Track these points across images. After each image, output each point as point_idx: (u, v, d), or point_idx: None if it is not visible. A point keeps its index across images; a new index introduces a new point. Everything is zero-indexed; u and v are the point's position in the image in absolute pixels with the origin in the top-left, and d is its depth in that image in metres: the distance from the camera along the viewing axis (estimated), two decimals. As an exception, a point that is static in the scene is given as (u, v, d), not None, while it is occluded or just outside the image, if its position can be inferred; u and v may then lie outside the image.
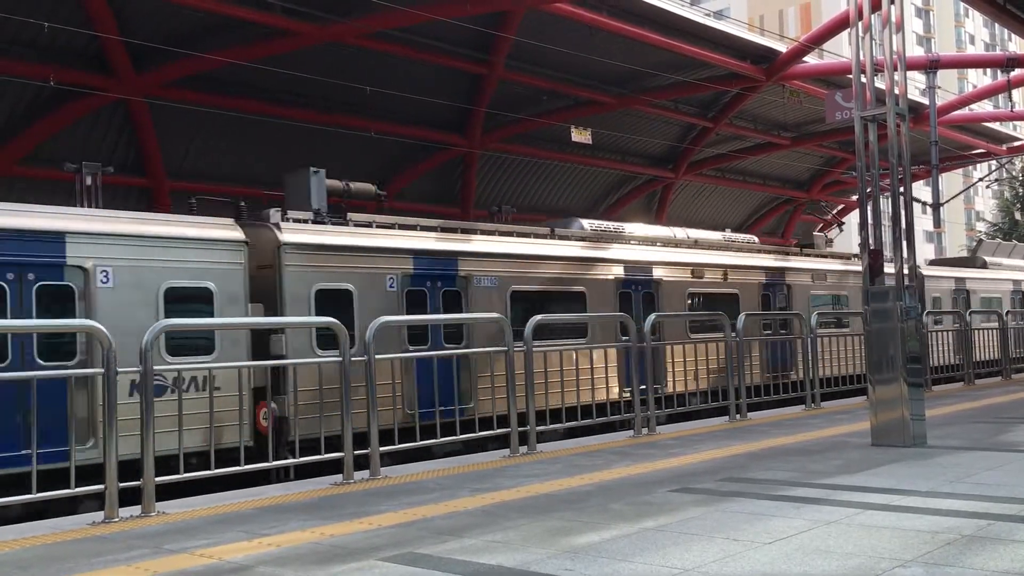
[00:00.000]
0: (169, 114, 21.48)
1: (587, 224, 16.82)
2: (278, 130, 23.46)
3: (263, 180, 25.24)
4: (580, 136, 26.02)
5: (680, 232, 19.02)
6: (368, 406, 7.10)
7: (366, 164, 27.21)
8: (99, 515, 5.82)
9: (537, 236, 15.86)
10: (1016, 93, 29.71)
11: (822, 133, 33.91)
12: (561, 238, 16.02)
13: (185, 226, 10.94)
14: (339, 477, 6.99)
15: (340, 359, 7.03)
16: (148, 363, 5.98)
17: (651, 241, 17.71)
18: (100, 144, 21.73)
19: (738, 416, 10.73)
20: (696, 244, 18.58)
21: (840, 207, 45.91)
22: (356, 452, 7.00)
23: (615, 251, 16.31)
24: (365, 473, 7.11)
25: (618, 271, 16.05)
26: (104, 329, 5.86)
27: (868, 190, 8.75)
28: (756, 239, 21.06)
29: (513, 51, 23.52)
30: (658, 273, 16.70)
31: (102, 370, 5.86)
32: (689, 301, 17.13)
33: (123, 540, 5.18)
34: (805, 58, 27.13)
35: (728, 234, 20.45)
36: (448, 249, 13.69)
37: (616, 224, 17.79)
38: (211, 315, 10.60)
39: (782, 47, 27.01)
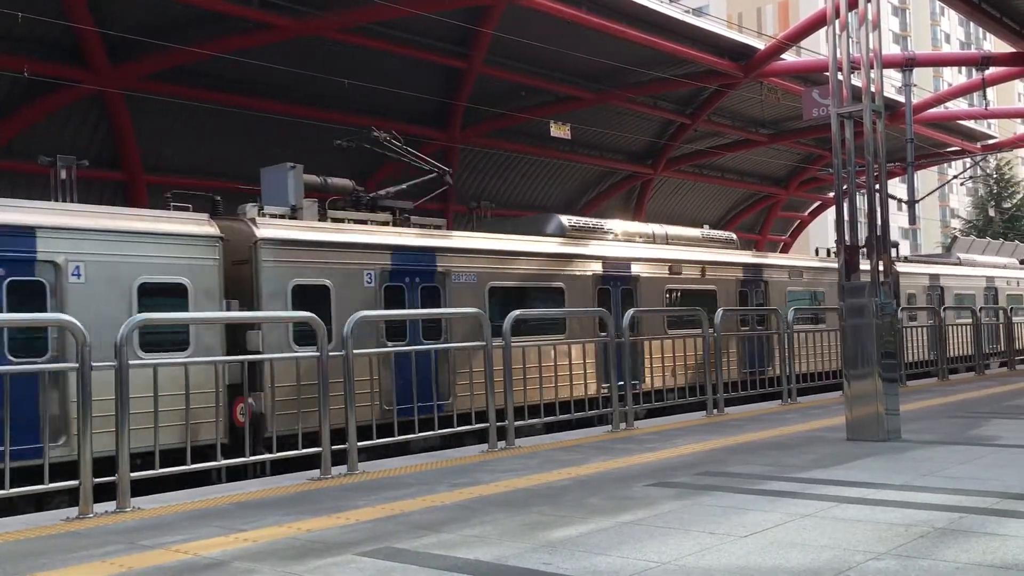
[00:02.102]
0: (146, 107, 21.30)
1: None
2: (256, 124, 23.33)
3: (241, 174, 25.09)
4: (559, 131, 26.04)
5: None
6: (346, 401, 7.08)
7: (345, 159, 27.12)
8: (73, 511, 5.78)
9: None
10: (991, 91, 29.97)
11: (799, 130, 34.12)
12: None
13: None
14: (316, 472, 6.97)
15: (318, 354, 7.01)
16: (124, 358, 5.93)
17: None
18: (76, 137, 21.52)
19: (715, 411, 10.79)
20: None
21: (817, 203, 46.26)
22: (334, 447, 6.99)
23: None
24: (343, 468, 7.09)
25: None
26: (79, 324, 5.82)
27: (844, 187, 8.82)
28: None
29: (493, 46, 23.50)
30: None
31: (76, 365, 5.81)
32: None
33: (98, 535, 5.14)
34: (783, 55, 27.28)
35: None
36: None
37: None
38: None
39: (760, 44, 27.14)
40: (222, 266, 10.98)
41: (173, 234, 10.68)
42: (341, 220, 13.47)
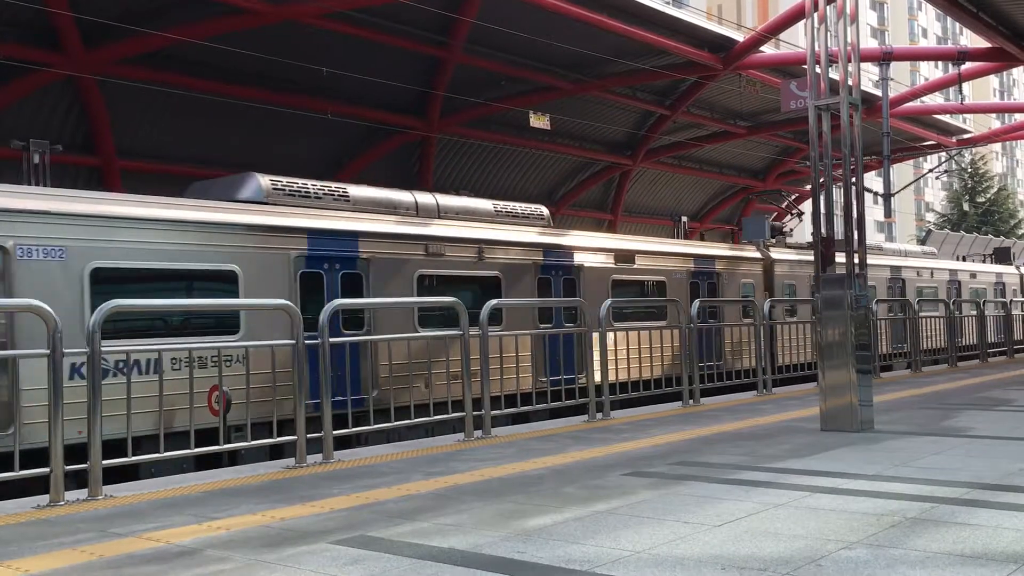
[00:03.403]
0: (121, 92, 21.06)
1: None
2: (232, 110, 23.14)
3: (216, 161, 24.90)
4: (539, 122, 26.02)
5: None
6: (322, 390, 7.05)
7: (322, 147, 26.97)
8: (44, 499, 5.72)
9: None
10: (967, 86, 30.24)
11: (777, 122, 34.28)
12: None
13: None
14: (291, 461, 6.94)
15: (293, 342, 6.97)
16: (95, 344, 5.87)
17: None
18: (49, 122, 21.26)
19: (691, 401, 10.84)
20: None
21: (795, 196, 46.44)
22: (309, 436, 6.96)
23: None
24: (318, 457, 7.06)
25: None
26: (50, 309, 5.74)
27: (821, 180, 8.86)
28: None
29: (472, 35, 23.41)
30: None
31: (47, 351, 5.74)
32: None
33: (69, 523, 5.09)
34: (762, 48, 27.36)
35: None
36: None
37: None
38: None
39: (739, 36, 27.20)
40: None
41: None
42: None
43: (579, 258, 16.40)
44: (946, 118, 39.12)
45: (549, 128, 27.06)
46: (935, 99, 39.63)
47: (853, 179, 8.58)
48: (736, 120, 34.36)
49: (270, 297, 11.37)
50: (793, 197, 36.16)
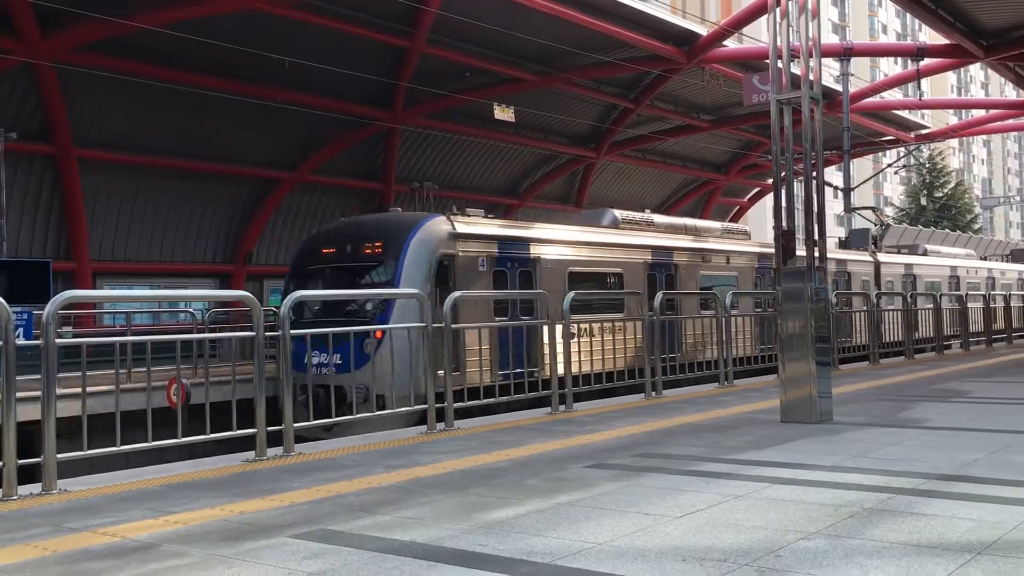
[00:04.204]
0: (78, 80, 20.71)
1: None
2: (193, 100, 22.84)
3: (176, 150, 24.60)
4: (503, 114, 25.99)
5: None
6: (283, 381, 6.97)
7: (285, 137, 26.71)
8: (-4, 493, 5.60)
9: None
10: (925, 83, 30.68)
11: (740, 117, 34.55)
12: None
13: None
14: (251, 454, 6.86)
15: (253, 334, 6.89)
16: (50, 335, 5.76)
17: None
18: (3, 109, 20.83)
19: (654, 394, 10.89)
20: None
21: (756, 190, 46.92)
22: (269, 428, 6.88)
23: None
24: (279, 450, 6.99)
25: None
26: (3, 301, 5.62)
27: (783, 174, 8.93)
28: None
29: (437, 25, 23.30)
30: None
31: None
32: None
33: (22, 518, 4.99)
34: (725, 42, 27.54)
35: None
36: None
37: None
38: None
39: (703, 30, 27.36)
40: None
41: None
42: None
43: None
44: (905, 114, 39.71)
45: (513, 120, 27.04)
46: (894, 95, 40.19)
47: (814, 173, 8.66)
48: (699, 114, 34.57)
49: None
50: (754, 191, 36.54)
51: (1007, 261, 39.72)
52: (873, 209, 35.10)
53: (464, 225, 15.36)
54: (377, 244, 14.69)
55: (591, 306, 16.06)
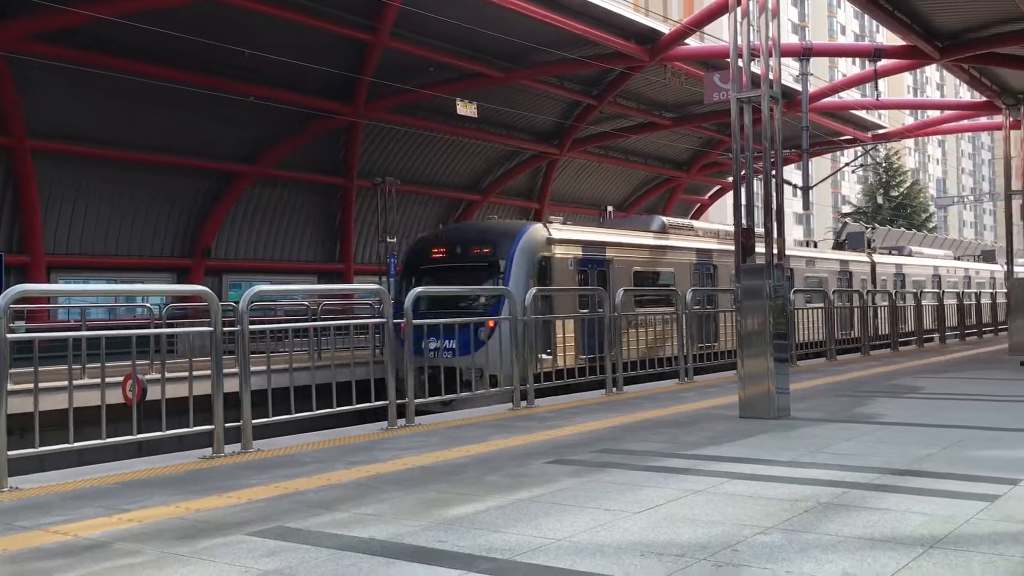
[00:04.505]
0: (32, 70, 20.31)
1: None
2: (151, 91, 22.50)
3: (133, 143, 24.22)
4: (466, 109, 25.92)
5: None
6: (240, 376, 6.90)
7: (245, 130, 26.42)
8: (-56, 492, 5.48)
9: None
10: (882, 83, 31.16)
11: (701, 115, 34.78)
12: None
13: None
14: (208, 451, 6.78)
15: (211, 329, 6.81)
16: (2, 330, 5.64)
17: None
18: (-47, 99, 20.40)
19: (615, 389, 10.93)
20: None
21: (717, 187, 47.29)
22: (227, 424, 6.81)
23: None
24: (236, 446, 6.92)
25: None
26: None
27: (743, 172, 9.00)
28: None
29: (400, 19, 23.17)
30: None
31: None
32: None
33: (-30, 518, 4.88)
34: (687, 40, 27.70)
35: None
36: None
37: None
38: None
39: (665, 28, 27.49)
40: None
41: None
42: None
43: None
44: (862, 114, 40.24)
45: (476, 116, 26.99)
46: (852, 95, 40.74)
47: (773, 171, 8.74)
48: (661, 111, 34.75)
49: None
50: (715, 189, 36.82)
51: (979, 261, 41.85)
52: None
53: (557, 232, 18.02)
54: (486, 247, 17.15)
55: (643, 302, 18.57)
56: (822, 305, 16.67)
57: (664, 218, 22.75)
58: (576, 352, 15.42)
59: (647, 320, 14.55)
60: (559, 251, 17.69)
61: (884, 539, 3.98)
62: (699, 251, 21.84)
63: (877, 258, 30.21)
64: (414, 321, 8.20)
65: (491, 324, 13.26)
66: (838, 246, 31.36)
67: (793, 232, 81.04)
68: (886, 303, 19.28)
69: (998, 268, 39.63)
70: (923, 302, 20.95)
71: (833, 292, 17.92)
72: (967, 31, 18.75)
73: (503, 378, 9.96)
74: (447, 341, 12.42)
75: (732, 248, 21.71)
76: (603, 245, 18.99)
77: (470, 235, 18.48)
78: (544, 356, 14.37)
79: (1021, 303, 15.78)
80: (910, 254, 34.06)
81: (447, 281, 16.59)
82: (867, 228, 35.57)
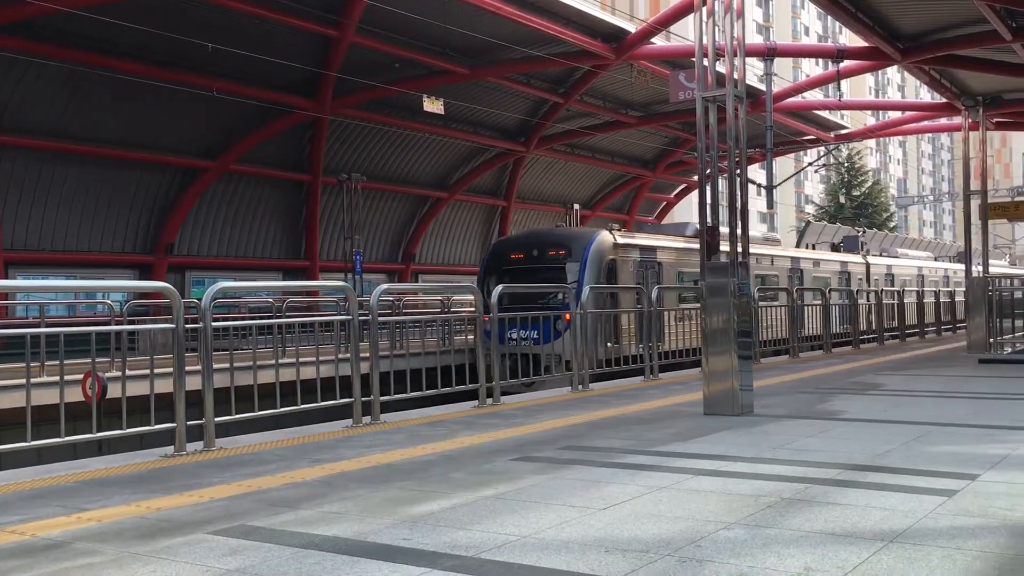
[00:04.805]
0: (-12, 62, 19.94)
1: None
2: (113, 85, 22.19)
3: (95, 137, 23.87)
4: (432, 106, 25.85)
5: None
6: (203, 373, 6.82)
7: (208, 125, 26.14)
8: (-103, 492, 5.37)
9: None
10: (845, 84, 31.58)
11: (667, 113, 34.98)
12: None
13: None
14: (170, 449, 6.70)
15: (173, 326, 6.73)
16: (-44, 328, 5.54)
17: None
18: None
19: (581, 387, 10.96)
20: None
21: (682, 186, 47.57)
22: (189, 423, 6.73)
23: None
24: (199, 444, 6.84)
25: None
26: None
27: (708, 171, 9.07)
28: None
29: (366, 15, 23.05)
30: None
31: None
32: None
33: (-76, 518, 4.78)
34: (653, 39, 27.85)
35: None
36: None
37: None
38: None
39: (632, 27, 27.62)
40: None
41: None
42: None
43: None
44: (825, 114, 40.71)
45: (443, 113, 26.93)
46: (815, 95, 41.19)
47: (738, 170, 8.81)
48: (627, 110, 34.91)
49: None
50: (681, 187, 37.13)
51: (956, 262, 44.12)
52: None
53: (621, 238, 21.02)
54: (562, 250, 19.89)
55: (684, 299, 20.53)
56: (787, 303, 16.84)
57: (696, 224, 24.76)
58: (633, 341, 16.94)
59: (681, 314, 16.65)
60: (622, 255, 20.55)
61: (845, 534, 4.03)
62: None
63: (871, 259, 33.55)
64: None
65: (567, 317, 14.50)
66: (834, 248, 34.28)
67: (757, 230, 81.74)
68: (860, 301, 20.08)
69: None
70: (905, 300, 22.36)
71: (857, 291, 19.75)
72: (928, 33, 19.03)
73: (576, 364, 10.96)
74: (529, 331, 14.55)
75: (755, 251, 24.78)
76: (655, 249, 21.90)
77: (548, 239, 20.93)
78: (610, 344, 16.78)
79: (979, 302, 16.04)
80: (897, 256, 37.16)
81: (526, 280, 18.89)
82: (859, 231, 39.08)
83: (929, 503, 4.57)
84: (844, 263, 31.59)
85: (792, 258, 28.12)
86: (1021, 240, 69.44)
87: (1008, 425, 7.31)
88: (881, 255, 36.41)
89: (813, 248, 33.18)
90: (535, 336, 14.62)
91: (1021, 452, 6.04)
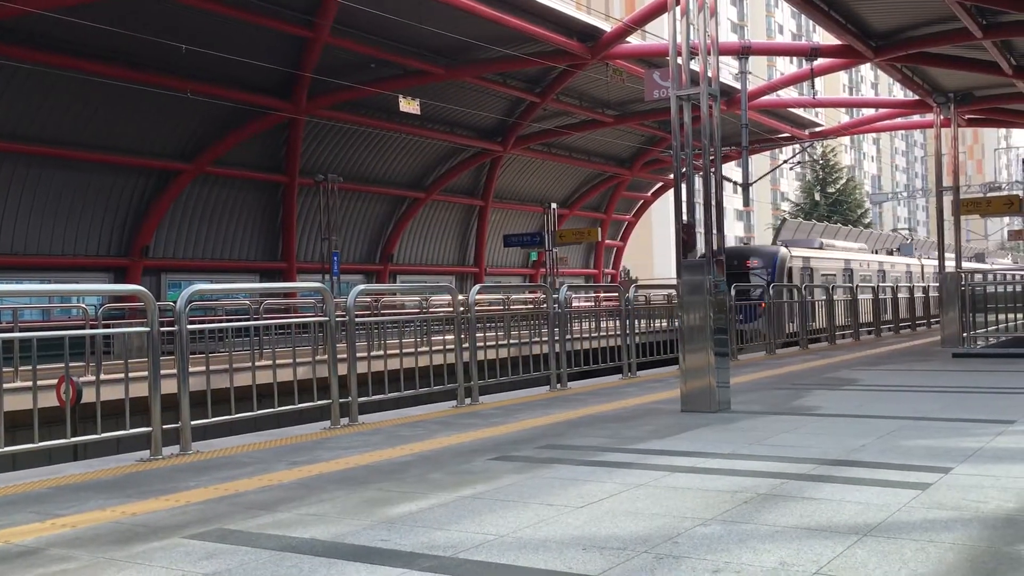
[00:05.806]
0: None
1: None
2: (85, 87, 21.99)
3: (68, 140, 23.64)
4: (408, 106, 25.79)
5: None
6: (179, 376, 6.78)
7: (182, 127, 25.95)
8: None
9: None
10: (818, 82, 31.83)
11: (643, 112, 35.09)
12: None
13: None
14: (146, 453, 6.65)
15: (148, 329, 6.68)
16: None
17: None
18: None
19: (559, 385, 10.98)
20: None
21: (659, 184, 47.72)
22: (165, 427, 6.68)
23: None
24: (175, 448, 6.80)
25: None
26: None
27: (683, 169, 9.10)
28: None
29: (341, 16, 22.97)
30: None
31: None
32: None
33: None
34: (628, 38, 27.92)
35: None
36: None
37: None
38: None
39: (607, 26, 27.68)
40: None
41: None
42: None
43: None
44: (800, 112, 40.97)
45: (419, 113, 26.88)
46: (790, 93, 41.43)
47: (712, 168, 8.85)
48: (604, 109, 34.99)
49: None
50: (657, 186, 37.18)
51: (898, 255, 45.67)
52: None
53: (793, 251, 29.28)
54: (755, 261, 28.17)
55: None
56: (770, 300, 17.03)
57: (821, 238, 35.28)
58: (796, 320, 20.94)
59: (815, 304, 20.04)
60: (794, 264, 28.67)
61: (820, 528, 4.07)
62: (855, 261, 33.77)
63: (923, 261, 39.80)
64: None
65: (763, 305, 18.30)
66: (889, 253, 40.91)
67: (733, 228, 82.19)
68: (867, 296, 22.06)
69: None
70: (899, 296, 25.49)
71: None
72: (899, 31, 19.22)
73: (773, 337, 16.01)
74: (737, 316, 17.56)
75: (861, 256, 32.61)
76: (809, 259, 30.17)
77: (743, 254, 29.22)
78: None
79: (952, 297, 16.21)
80: (820, 247, 39.60)
81: (734, 281, 23.18)
82: (857, 229, 44.38)
83: (903, 496, 4.62)
84: (880, 263, 36.41)
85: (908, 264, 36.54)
86: (994, 235, 70.23)
87: (981, 419, 7.40)
88: (875, 253, 38.99)
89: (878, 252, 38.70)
90: (740, 318, 17.89)
91: (994, 445, 6.11)
